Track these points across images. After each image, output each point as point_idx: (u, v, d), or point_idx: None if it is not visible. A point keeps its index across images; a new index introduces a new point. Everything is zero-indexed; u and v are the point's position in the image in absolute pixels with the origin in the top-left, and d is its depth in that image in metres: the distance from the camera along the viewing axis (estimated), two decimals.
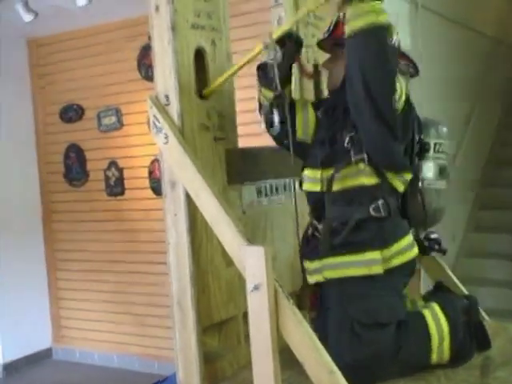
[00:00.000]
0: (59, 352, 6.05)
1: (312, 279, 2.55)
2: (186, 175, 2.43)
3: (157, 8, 2.53)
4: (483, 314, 2.83)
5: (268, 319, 2.13)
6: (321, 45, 2.71)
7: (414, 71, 2.75)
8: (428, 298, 2.69)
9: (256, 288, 2.14)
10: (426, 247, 2.75)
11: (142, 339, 5.56)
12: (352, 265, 2.43)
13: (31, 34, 5.75)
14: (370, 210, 2.43)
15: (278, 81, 2.48)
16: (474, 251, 6.75)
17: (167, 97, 2.52)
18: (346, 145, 2.46)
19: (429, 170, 2.69)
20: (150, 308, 5.47)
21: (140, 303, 5.54)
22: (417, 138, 2.62)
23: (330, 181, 2.47)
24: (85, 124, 5.75)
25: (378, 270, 2.41)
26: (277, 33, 2.49)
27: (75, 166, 5.83)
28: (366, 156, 2.41)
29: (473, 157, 7.07)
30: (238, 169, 2.72)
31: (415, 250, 2.55)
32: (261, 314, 2.15)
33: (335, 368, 2.10)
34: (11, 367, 5.67)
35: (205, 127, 2.62)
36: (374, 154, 2.40)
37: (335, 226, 2.46)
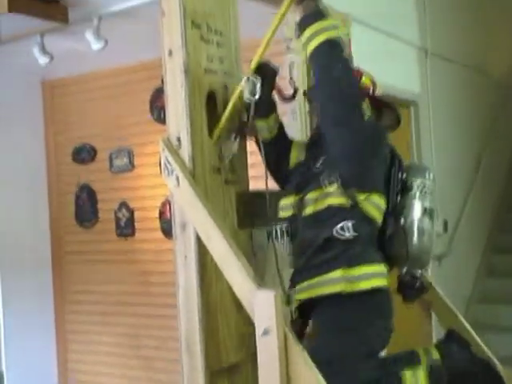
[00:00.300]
0: None
1: (291, 307, 2.52)
2: (196, 217, 2.43)
3: (170, 52, 2.57)
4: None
5: (278, 364, 2.11)
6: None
7: (395, 123, 2.77)
8: (439, 346, 2.64)
9: (265, 333, 2.13)
10: (405, 284, 2.70)
11: (150, 383, 5.49)
12: (317, 284, 2.42)
13: (46, 76, 5.83)
14: (334, 230, 2.41)
15: (251, 115, 2.55)
16: (486, 297, 6.68)
17: (179, 139, 2.54)
18: (317, 166, 2.49)
19: (412, 209, 2.66)
20: (159, 351, 5.41)
21: (150, 346, 5.48)
22: (399, 175, 2.62)
23: (300, 204, 2.49)
24: (97, 165, 5.78)
25: (341, 287, 2.38)
26: (254, 62, 2.52)
27: (86, 206, 5.85)
28: (337, 177, 2.43)
29: (484, 200, 7.04)
30: (248, 211, 2.72)
31: (387, 281, 2.49)
32: (270, 358, 2.13)
33: None
34: None
35: (216, 169, 2.63)
36: (342, 160, 2.41)
37: (302, 248, 2.47)
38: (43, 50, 4.36)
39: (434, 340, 2.90)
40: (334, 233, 2.42)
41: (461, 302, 6.04)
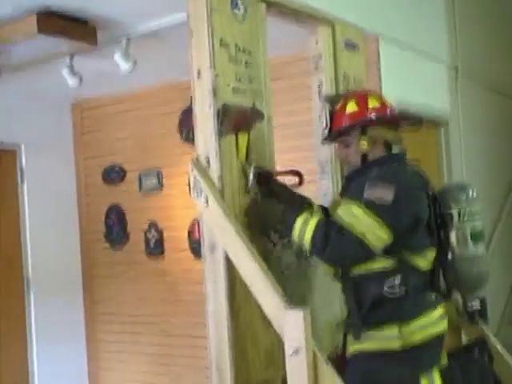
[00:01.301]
0: None
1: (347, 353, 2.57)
2: (225, 238, 2.44)
3: (199, 72, 2.59)
4: None
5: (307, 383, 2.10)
6: (325, 141, 2.82)
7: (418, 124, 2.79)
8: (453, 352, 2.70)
9: (295, 352, 2.12)
10: (468, 319, 2.71)
11: None
12: (369, 339, 2.44)
13: (75, 98, 5.91)
14: (384, 290, 2.44)
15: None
16: None
17: (208, 159, 2.55)
18: None
19: (455, 240, 2.64)
20: (189, 370, 5.41)
21: (179, 365, 5.48)
22: (438, 211, 2.61)
23: None
24: (126, 186, 5.82)
25: (395, 345, 2.40)
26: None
27: (116, 227, 5.88)
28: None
29: None
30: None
31: (443, 325, 2.54)
32: (300, 378, 2.12)
33: None
34: None
35: (245, 189, 2.63)
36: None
37: (352, 306, 2.50)
38: (72, 72, 4.41)
39: None
40: (385, 293, 2.44)
41: (492, 322, 5.94)
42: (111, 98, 5.82)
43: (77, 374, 5.92)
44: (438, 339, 2.52)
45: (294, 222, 2.45)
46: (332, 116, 2.69)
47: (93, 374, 6.03)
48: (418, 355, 2.45)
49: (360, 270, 2.47)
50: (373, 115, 2.61)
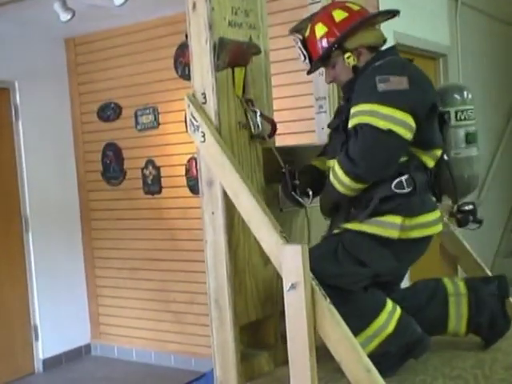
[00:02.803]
0: (98, 348, 6.11)
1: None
2: (223, 174, 2.43)
3: (194, 6, 2.53)
4: None
5: (305, 318, 2.12)
6: (311, 72, 2.75)
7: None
8: (466, 280, 2.76)
9: (293, 287, 2.14)
10: (461, 219, 2.72)
11: (179, 336, 5.59)
12: (367, 223, 2.43)
13: (69, 34, 5.82)
14: (392, 186, 2.42)
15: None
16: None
17: (204, 95, 2.52)
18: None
19: (452, 138, 2.63)
20: (187, 306, 5.49)
21: (178, 301, 5.56)
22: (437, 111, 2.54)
23: None
24: (122, 123, 5.79)
25: (394, 233, 2.41)
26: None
27: (113, 164, 5.88)
28: None
29: None
30: (275, 167, 2.71)
31: (439, 227, 2.55)
32: (298, 312, 2.14)
33: (372, 367, 2.09)
34: (51, 362, 5.75)
35: (242, 125, 2.61)
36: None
37: (359, 201, 2.46)
38: (65, 7, 4.33)
39: None
40: (393, 189, 2.41)
41: (487, 255, 6.01)
42: (105, 33, 5.73)
43: (78, 312, 6.02)
44: (429, 239, 2.55)
45: (330, 183, 2.44)
46: (306, 45, 2.62)
47: (93, 311, 6.13)
48: (409, 249, 2.48)
49: None
50: (344, 29, 2.52)
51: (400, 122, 2.31)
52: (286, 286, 2.16)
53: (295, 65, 3.92)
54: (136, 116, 5.68)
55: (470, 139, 2.66)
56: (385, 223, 2.42)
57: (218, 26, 2.52)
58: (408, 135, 2.34)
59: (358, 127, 2.32)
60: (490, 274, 3.06)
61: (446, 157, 2.58)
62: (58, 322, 5.75)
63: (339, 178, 2.39)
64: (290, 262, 2.15)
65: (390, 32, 4.26)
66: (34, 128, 5.68)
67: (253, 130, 2.60)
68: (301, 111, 4.41)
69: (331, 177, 2.43)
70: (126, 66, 5.68)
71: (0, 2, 4.40)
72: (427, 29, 5.06)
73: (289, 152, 2.84)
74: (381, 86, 2.34)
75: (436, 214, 2.53)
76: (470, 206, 2.74)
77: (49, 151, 5.82)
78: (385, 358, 2.35)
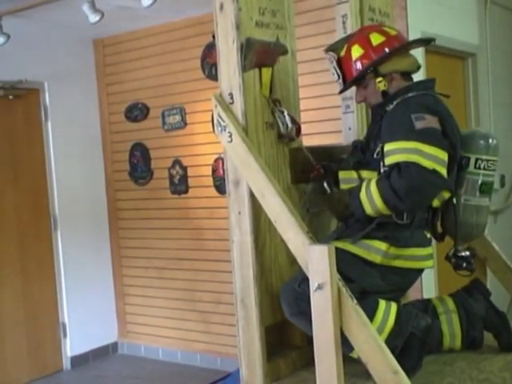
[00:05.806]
0: (125, 347, 6.15)
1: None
2: (249, 174, 2.43)
3: (221, 6, 2.54)
4: None
5: (331, 319, 2.12)
6: (342, 91, 2.79)
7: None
8: (455, 295, 2.75)
9: (320, 287, 2.14)
10: (454, 264, 2.71)
11: (205, 336, 5.60)
12: (357, 243, 2.47)
13: (97, 35, 5.86)
14: (394, 215, 2.45)
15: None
16: None
17: (231, 95, 2.53)
18: (377, 153, 2.49)
19: (466, 184, 2.63)
20: (214, 305, 5.50)
21: (205, 300, 5.58)
22: (457, 156, 2.55)
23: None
24: (150, 123, 5.82)
25: (375, 258, 2.45)
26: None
27: (140, 164, 5.91)
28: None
29: None
30: (301, 167, 2.71)
31: (427, 263, 2.58)
32: (324, 313, 2.14)
33: (399, 368, 2.08)
34: (78, 360, 5.80)
35: (269, 125, 2.62)
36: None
37: (356, 221, 2.52)
38: (93, 8, 4.37)
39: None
40: (392, 218, 2.45)
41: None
42: (133, 33, 5.76)
43: (105, 310, 6.07)
44: (416, 272, 2.58)
45: (359, 199, 2.45)
46: (340, 65, 2.63)
47: (120, 309, 6.17)
48: (394, 273, 2.49)
49: None
50: (381, 53, 2.54)
51: (441, 162, 2.36)
52: (313, 286, 2.16)
53: (322, 65, 3.92)
54: (163, 116, 5.70)
55: (484, 189, 2.65)
56: (370, 247, 2.47)
57: (245, 27, 2.53)
58: (446, 174, 2.38)
59: (403, 165, 2.33)
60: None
61: (455, 200, 2.58)
62: (85, 320, 5.79)
63: (374, 202, 2.40)
64: (317, 263, 2.15)
65: (418, 32, 4.25)
66: (63, 128, 5.73)
67: (282, 130, 2.60)
68: (327, 111, 4.39)
69: (363, 195, 2.44)
70: (153, 66, 5.71)
71: (29, 4, 4.44)
72: (456, 28, 5.01)
73: (317, 152, 2.84)
74: (418, 124, 2.36)
75: (427, 251, 2.56)
76: (467, 253, 2.71)
77: (77, 151, 5.87)
78: (402, 356, 2.32)
